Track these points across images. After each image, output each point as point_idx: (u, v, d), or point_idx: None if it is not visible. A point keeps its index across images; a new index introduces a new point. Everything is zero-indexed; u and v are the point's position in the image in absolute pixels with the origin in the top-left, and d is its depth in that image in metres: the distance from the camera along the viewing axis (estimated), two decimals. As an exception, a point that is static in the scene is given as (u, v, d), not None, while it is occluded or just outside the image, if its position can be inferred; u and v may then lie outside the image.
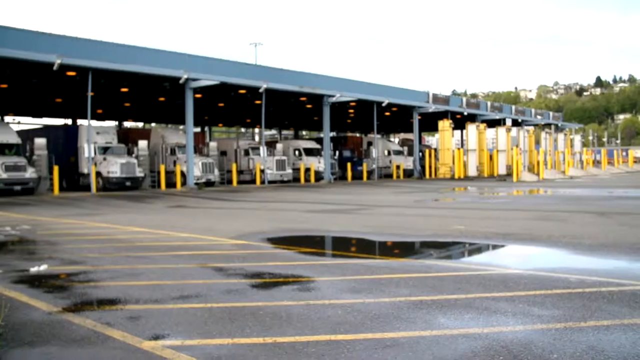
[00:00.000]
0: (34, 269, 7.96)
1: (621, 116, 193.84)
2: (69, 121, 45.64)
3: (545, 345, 4.43)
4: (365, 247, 10.50)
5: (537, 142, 54.29)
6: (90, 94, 27.74)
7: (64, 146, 32.48)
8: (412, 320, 5.23)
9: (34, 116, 45.93)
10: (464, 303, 5.84)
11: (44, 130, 35.46)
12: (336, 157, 45.22)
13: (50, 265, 8.30)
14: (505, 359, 4.16)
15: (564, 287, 6.52)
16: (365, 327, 5.02)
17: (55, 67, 25.29)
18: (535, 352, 4.29)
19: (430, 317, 5.33)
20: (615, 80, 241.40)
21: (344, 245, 11.02)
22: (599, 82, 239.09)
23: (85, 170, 30.51)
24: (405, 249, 10.44)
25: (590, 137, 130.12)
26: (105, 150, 30.94)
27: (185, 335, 4.89)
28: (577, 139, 56.99)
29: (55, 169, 28.69)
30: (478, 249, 10.30)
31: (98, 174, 29.53)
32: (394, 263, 8.59)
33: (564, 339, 4.61)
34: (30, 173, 27.27)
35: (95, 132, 31.12)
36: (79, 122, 42.88)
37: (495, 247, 10.29)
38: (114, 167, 29.77)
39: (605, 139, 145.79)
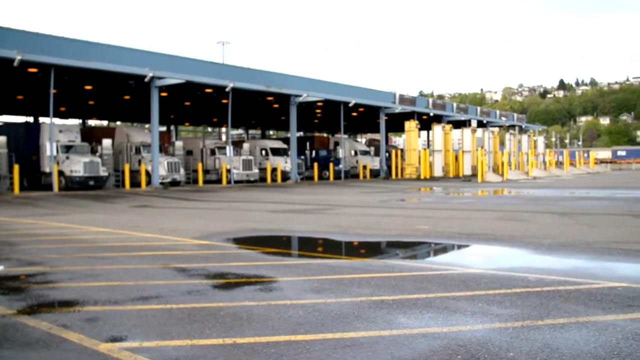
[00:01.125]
0: (-11, 270, 7.76)
1: (583, 118, 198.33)
2: (31, 119, 44.59)
3: (502, 344, 4.50)
4: (330, 247, 10.51)
5: (502, 143, 55.25)
6: (52, 91, 27.20)
7: (25, 144, 31.65)
8: (373, 320, 5.24)
9: (-6, 113, 44.85)
10: (424, 303, 5.88)
11: (4, 128, 34.51)
12: (303, 157, 45.20)
13: (6, 266, 8.11)
14: (463, 357, 4.20)
15: (523, 286, 6.63)
16: (325, 327, 5.01)
17: (15, 64, 24.65)
18: (493, 350, 4.35)
19: (391, 317, 5.36)
20: (577, 83, 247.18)
21: (308, 246, 11.01)
22: (562, 85, 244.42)
23: (47, 169, 29.85)
24: (369, 249, 10.48)
25: (553, 139, 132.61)
26: (68, 148, 30.36)
27: (143, 337, 4.82)
28: (541, 140, 58.16)
29: (16, 167, 27.99)
30: (441, 249, 10.40)
31: (60, 173, 28.94)
32: (357, 263, 8.62)
33: (521, 337, 4.68)
34: (-11, 172, 26.58)
35: (57, 130, 30.54)
36: (41, 119, 41.96)
37: (458, 247, 10.41)
38: (77, 166, 29.20)
39: (567, 141, 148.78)
